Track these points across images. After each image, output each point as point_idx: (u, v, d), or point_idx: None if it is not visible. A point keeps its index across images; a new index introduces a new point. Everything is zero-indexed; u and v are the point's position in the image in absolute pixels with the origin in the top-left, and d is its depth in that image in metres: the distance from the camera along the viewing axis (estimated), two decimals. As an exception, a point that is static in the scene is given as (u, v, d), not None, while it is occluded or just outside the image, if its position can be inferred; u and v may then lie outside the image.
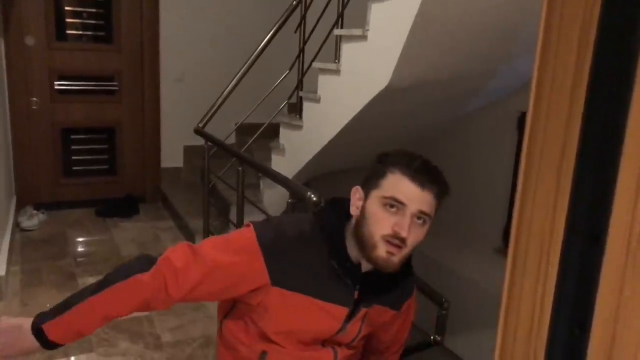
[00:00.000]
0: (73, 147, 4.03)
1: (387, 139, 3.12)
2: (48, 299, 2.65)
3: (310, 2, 2.97)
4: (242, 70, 3.04)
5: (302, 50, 3.02)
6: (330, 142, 2.66)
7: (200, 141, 3.16)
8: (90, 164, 4.10)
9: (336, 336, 1.31)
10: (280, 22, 3.01)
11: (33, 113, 3.79)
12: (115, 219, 3.80)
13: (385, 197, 1.16)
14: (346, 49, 2.50)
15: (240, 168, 2.60)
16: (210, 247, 1.24)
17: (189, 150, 4.17)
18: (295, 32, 3.04)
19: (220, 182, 3.31)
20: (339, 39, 2.56)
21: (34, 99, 3.78)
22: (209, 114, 3.08)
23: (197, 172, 3.99)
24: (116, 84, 4.01)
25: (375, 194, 1.18)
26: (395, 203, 1.15)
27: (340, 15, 2.66)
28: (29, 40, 3.70)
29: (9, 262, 2.87)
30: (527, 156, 0.70)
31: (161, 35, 3.99)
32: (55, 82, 3.83)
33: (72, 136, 4.00)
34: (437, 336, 1.90)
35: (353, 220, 1.25)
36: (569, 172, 0.63)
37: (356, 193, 1.24)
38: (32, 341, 1.17)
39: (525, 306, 0.66)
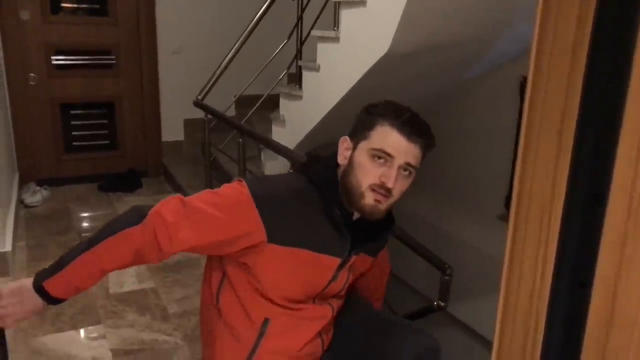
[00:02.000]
0: (73, 122, 4.01)
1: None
2: (55, 274, 2.67)
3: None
4: (239, 41, 3.00)
5: (300, 19, 2.97)
6: (330, 111, 2.64)
7: (200, 114, 3.14)
8: (91, 139, 4.10)
9: (327, 288, 1.33)
10: (277, -9, 2.96)
11: (31, 89, 3.77)
12: (119, 194, 3.81)
13: (374, 149, 1.19)
14: (345, 15, 2.46)
15: (240, 140, 2.60)
16: (203, 201, 1.23)
17: (189, 124, 4.16)
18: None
19: (222, 155, 3.31)
20: (337, 6, 2.52)
21: (32, 74, 3.75)
22: (208, 86, 3.06)
23: (198, 145, 3.98)
24: (113, 58, 3.97)
25: (363, 146, 1.21)
26: (383, 155, 1.19)
27: (339, -18, 2.61)
28: (24, 15, 3.64)
29: (15, 238, 2.90)
30: (528, 118, 0.70)
31: (157, 6, 3.94)
32: (52, 57, 3.79)
33: (72, 111, 3.98)
34: (440, 302, 1.92)
35: (340, 170, 1.28)
36: (570, 134, 0.62)
37: (344, 143, 1.26)
38: (36, 299, 1.19)
39: (527, 266, 0.66)
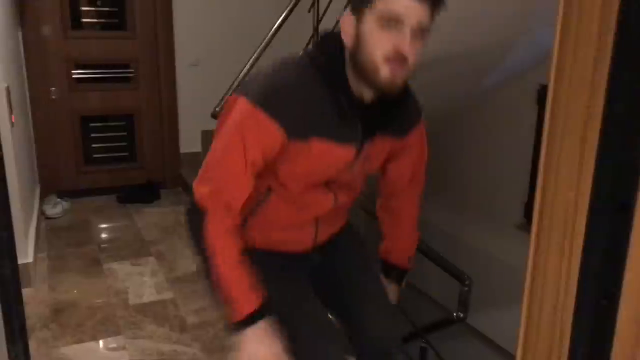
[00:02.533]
0: (92, 135, 4.07)
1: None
2: (74, 285, 2.70)
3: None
4: (256, 53, 3.02)
5: (316, 30, 2.99)
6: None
7: (217, 125, 3.16)
8: (110, 151, 4.15)
9: (339, 176, 1.29)
10: (293, 1, 2.99)
11: (52, 102, 3.84)
12: (137, 205, 3.85)
13: (381, 16, 1.09)
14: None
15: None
16: (225, 152, 1.19)
17: (206, 135, 4.18)
18: (309, 11, 3.01)
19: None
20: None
21: (53, 88, 3.82)
22: (225, 98, 3.08)
23: (216, 156, 4.00)
24: (132, 71, 4.03)
25: (369, 16, 1.11)
26: (392, 20, 1.09)
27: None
28: (46, 30, 3.72)
29: (36, 249, 2.94)
30: (550, 127, 0.69)
31: (175, 20, 3.99)
32: (73, 71, 3.86)
33: (91, 124, 4.04)
34: (460, 313, 1.90)
35: (347, 52, 1.19)
36: (593, 142, 0.61)
37: (346, 20, 1.16)
38: (257, 332, 1.18)
39: (550, 278, 0.65)
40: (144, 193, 3.97)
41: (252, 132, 1.16)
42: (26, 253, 2.65)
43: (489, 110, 3.22)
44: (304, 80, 1.19)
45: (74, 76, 3.87)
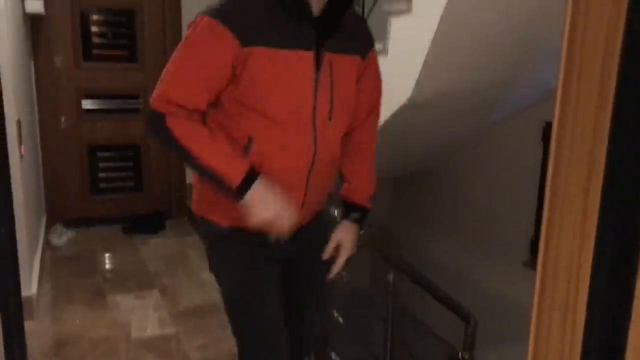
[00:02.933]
0: (100, 164, 4.10)
1: (411, 151, 3.10)
2: (78, 316, 2.69)
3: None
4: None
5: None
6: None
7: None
8: (117, 181, 4.18)
9: (316, 102, 1.31)
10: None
11: (62, 132, 3.88)
12: (143, 236, 3.85)
13: None
14: (367, 63, 2.50)
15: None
16: (178, 59, 1.27)
17: (212, 166, 4.21)
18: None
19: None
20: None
21: (63, 117, 3.87)
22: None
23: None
24: (141, 102, 4.08)
25: None
26: None
27: (361, 30, 2.67)
28: (58, 61, 3.79)
29: (40, 280, 2.93)
30: (554, 169, 0.70)
31: (184, 53, 4.05)
32: (82, 101, 3.92)
33: (99, 153, 4.08)
34: (465, 353, 1.87)
35: None
36: (598, 185, 0.62)
37: None
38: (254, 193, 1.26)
39: (557, 316, 0.64)
40: (149, 223, 3.98)
41: (207, 41, 1.24)
42: (30, 285, 2.64)
43: (495, 146, 3.23)
44: None
45: (83, 106, 3.92)
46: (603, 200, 0.61)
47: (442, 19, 1.97)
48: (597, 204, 0.62)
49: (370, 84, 1.48)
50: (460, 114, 2.67)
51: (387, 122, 2.40)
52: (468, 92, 2.39)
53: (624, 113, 0.59)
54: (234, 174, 1.24)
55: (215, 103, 1.32)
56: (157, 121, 1.26)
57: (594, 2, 0.62)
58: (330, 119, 1.35)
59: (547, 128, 2.84)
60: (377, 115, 1.57)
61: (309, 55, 1.28)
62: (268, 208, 1.26)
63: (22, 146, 2.63)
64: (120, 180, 4.19)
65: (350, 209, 1.52)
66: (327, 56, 1.31)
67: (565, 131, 0.67)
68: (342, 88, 1.36)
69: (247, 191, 1.25)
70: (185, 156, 1.26)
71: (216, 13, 1.23)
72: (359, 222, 1.53)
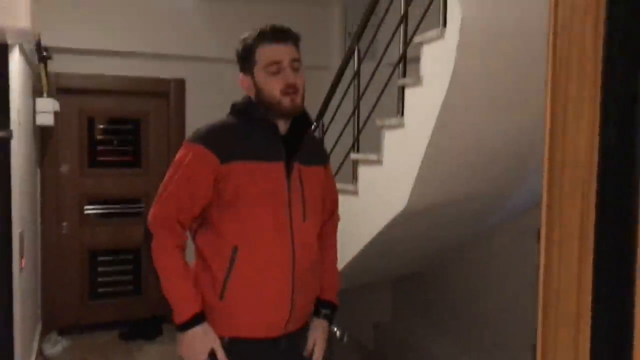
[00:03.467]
0: (99, 269, 4.09)
1: (408, 255, 3.11)
2: None
3: (327, 127, 3.11)
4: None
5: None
6: (349, 262, 2.66)
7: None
8: (116, 285, 4.14)
9: (292, 204, 1.51)
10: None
11: (63, 237, 3.91)
12: (139, 342, 3.76)
13: (265, 66, 1.48)
14: (363, 172, 2.58)
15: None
16: (169, 181, 1.48)
17: (212, 267, 4.19)
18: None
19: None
20: (355, 163, 2.65)
21: (65, 223, 3.92)
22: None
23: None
24: (143, 206, 4.15)
25: (257, 70, 1.50)
26: (274, 65, 1.48)
27: (356, 140, 2.78)
28: (63, 169, 3.90)
29: (31, 395, 2.82)
30: (545, 275, 0.72)
31: (187, 157, 4.17)
32: (85, 207, 3.98)
33: (99, 258, 4.08)
34: None
35: (253, 99, 1.54)
36: (588, 283, 0.64)
37: (243, 81, 1.55)
38: (193, 335, 1.46)
39: None
40: (146, 329, 3.90)
41: (192, 161, 1.46)
42: (20, 401, 2.55)
43: (493, 248, 3.24)
44: (228, 121, 1.56)
45: (85, 211, 3.98)
46: (595, 297, 0.63)
47: (434, 133, 2.06)
48: (589, 303, 0.64)
49: (330, 190, 1.72)
50: (456, 221, 2.71)
51: (384, 230, 2.44)
52: (462, 202, 2.44)
53: (605, 217, 0.62)
54: (183, 311, 1.46)
55: (203, 222, 1.53)
56: (147, 239, 1.48)
57: (570, 119, 0.68)
58: (304, 219, 1.54)
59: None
60: (337, 218, 1.79)
61: (280, 165, 1.51)
62: (197, 347, 1.47)
63: (24, 259, 2.64)
64: (120, 284, 4.16)
65: (320, 306, 1.68)
66: (296, 165, 1.54)
67: (553, 233, 0.71)
68: (311, 192, 1.58)
69: (186, 330, 1.46)
70: (156, 273, 1.47)
71: (198, 138, 1.49)
72: (329, 318, 1.69)
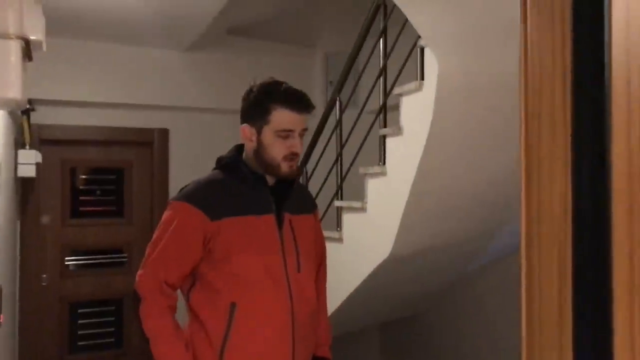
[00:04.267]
0: (80, 321, 3.99)
1: (394, 301, 3.10)
2: None
3: (311, 175, 3.15)
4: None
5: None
6: (335, 311, 2.65)
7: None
8: (97, 338, 4.03)
9: (286, 255, 1.49)
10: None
11: (42, 289, 3.82)
12: (119, 398, 3.63)
13: (278, 131, 1.47)
14: (347, 219, 2.61)
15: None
16: (158, 241, 1.46)
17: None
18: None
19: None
20: (339, 210, 2.67)
21: (44, 275, 3.84)
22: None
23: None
24: (125, 256, 4.10)
25: (267, 129, 1.48)
26: (286, 132, 1.47)
27: (340, 187, 2.81)
28: (45, 220, 3.85)
29: None
30: (527, 317, 0.74)
31: (170, 206, 4.15)
32: (66, 258, 3.92)
33: (80, 310, 3.99)
34: None
35: (251, 152, 1.52)
36: (568, 326, 0.66)
37: (246, 130, 1.52)
38: None
39: None
40: (127, 384, 3.78)
41: (180, 221, 1.45)
42: None
43: (480, 290, 3.26)
44: (215, 176, 1.54)
45: (66, 263, 3.92)
46: (575, 337, 0.65)
47: (415, 181, 2.11)
48: (570, 345, 0.66)
49: (319, 238, 1.73)
50: (440, 265, 2.73)
51: (370, 276, 2.44)
52: (445, 246, 2.47)
53: (581, 271, 0.65)
54: None
55: (195, 281, 1.50)
56: (135, 301, 1.46)
57: (544, 175, 0.72)
58: (299, 270, 1.52)
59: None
60: (326, 265, 1.79)
61: (271, 217, 1.51)
62: None
63: (1, 315, 2.58)
64: (101, 336, 4.05)
65: None
66: (286, 216, 1.54)
67: (532, 279, 0.73)
68: (304, 241, 1.57)
69: None
70: (146, 338, 1.45)
71: (185, 197, 1.48)
72: None
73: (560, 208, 0.67)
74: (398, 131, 2.21)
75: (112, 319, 4.10)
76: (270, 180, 1.54)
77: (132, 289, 1.47)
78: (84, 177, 4.08)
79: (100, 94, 3.86)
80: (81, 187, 4.05)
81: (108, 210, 4.14)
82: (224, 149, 1.63)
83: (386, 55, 2.47)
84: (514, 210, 2.40)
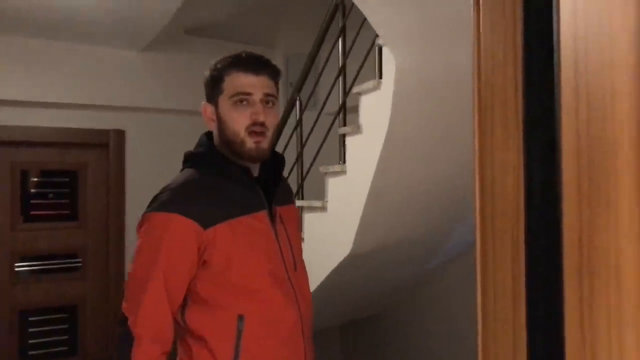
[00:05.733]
0: (31, 329, 3.84)
1: (355, 299, 3.12)
2: None
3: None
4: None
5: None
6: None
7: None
8: (49, 346, 3.89)
9: (281, 250, 1.35)
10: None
11: (-10, 298, 3.67)
12: (74, 407, 3.52)
13: (232, 96, 1.29)
14: (308, 218, 2.61)
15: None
16: (144, 273, 1.25)
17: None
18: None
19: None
20: (300, 210, 2.67)
21: (-7, 283, 3.68)
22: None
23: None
24: (80, 261, 3.97)
25: (222, 99, 1.31)
26: (243, 96, 1.28)
27: (300, 187, 2.81)
28: (-7, 225, 3.70)
29: None
30: (483, 312, 0.75)
31: (127, 208, 4.06)
32: (16, 264, 3.77)
33: (30, 318, 3.84)
34: None
35: (216, 135, 1.35)
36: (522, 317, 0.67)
37: (206, 109, 1.36)
38: None
39: None
40: (83, 392, 3.66)
41: (171, 236, 1.24)
42: None
43: (443, 285, 3.31)
44: (191, 178, 1.32)
45: (17, 269, 3.77)
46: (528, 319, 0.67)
47: (374, 179, 2.13)
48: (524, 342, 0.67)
49: (299, 230, 1.64)
50: (400, 262, 2.76)
51: (331, 274, 2.45)
52: (405, 243, 2.50)
53: (533, 262, 0.66)
54: None
55: (188, 300, 1.30)
56: (123, 340, 1.24)
57: (497, 166, 0.73)
58: (295, 268, 1.39)
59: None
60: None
61: (264, 214, 1.34)
62: None
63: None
64: (54, 345, 3.91)
65: None
66: (277, 210, 1.39)
67: (487, 274, 0.75)
68: (294, 234, 1.45)
69: None
70: None
71: (169, 206, 1.25)
72: None
73: (513, 198, 0.69)
74: (357, 130, 2.23)
75: (66, 326, 3.97)
76: (255, 170, 1.37)
77: (121, 319, 1.26)
78: (35, 179, 3.94)
79: (53, 93, 3.74)
80: (33, 190, 3.91)
81: (61, 214, 4.01)
82: (182, 150, 1.42)
83: (345, 55, 2.49)
84: (470, 205, 2.46)
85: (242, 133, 1.29)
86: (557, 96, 0.69)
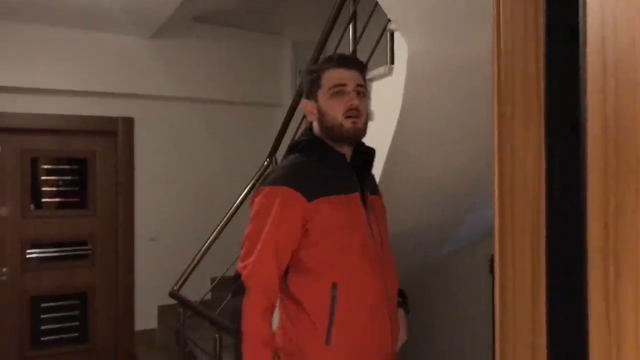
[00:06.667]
0: (42, 315, 3.88)
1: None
2: None
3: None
4: (216, 230, 3.08)
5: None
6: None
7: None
8: (60, 332, 3.93)
9: (372, 234, 1.50)
10: (253, 180, 3.13)
11: (2, 284, 3.70)
12: (85, 393, 3.55)
13: (330, 89, 1.49)
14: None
15: (216, 335, 2.53)
16: (258, 233, 1.43)
17: (163, 310, 4.05)
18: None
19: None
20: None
21: (4, 269, 3.71)
22: (184, 276, 3.05)
23: (173, 332, 3.84)
24: (89, 248, 3.99)
25: (321, 93, 1.51)
26: (338, 87, 1.48)
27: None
28: (3, 211, 3.72)
29: None
30: (501, 305, 0.73)
31: (136, 197, 4.07)
32: (27, 251, 3.79)
33: (42, 304, 3.87)
34: None
35: (318, 127, 1.54)
36: (542, 317, 0.65)
37: (307, 105, 1.55)
38: None
39: None
40: (93, 378, 3.69)
41: (281, 206, 1.43)
42: None
43: (448, 277, 3.29)
44: (297, 161, 1.53)
45: (28, 256, 3.79)
46: (549, 316, 0.65)
47: (385, 166, 2.10)
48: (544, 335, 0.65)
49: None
50: (409, 250, 2.74)
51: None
52: (414, 231, 2.47)
53: (555, 240, 0.64)
54: None
55: (290, 267, 1.48)
56: (236, 294, 1.42)
57: (517, 147, 0.71)
58: (382, 250, 1.55)
59: (493, 260, 2.94)
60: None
61: (356, 196, 1.52)
62: None
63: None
64: (65, 331, 3.95)
65: (402, 297, 1.69)
66: (368, 196, 1.56)
67: (506, 262, 0.73)
68: (382, 220, 1.62)
69: None
70: (238, 335, 1.40)
71: (281, 181, 1.47)
72: (404, 305, 1.69)
73: (534, 179, 0.67)
74: (368, 117, 2.20)
75: (77, 312, 4.00)
76: (349, 156, 1.55)
77: (235, 274, 1.43)
78: (45, 167, 3.95)
79: (63, 81, 3.74)
80: (43, 178, 3.92)
81: (71, 202, 4.03)
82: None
83: (356, 40, 2.45)
84: (483, 196, 2.43)
85: (340, 118, 1.48)
86: (583, 77, 0.66)
